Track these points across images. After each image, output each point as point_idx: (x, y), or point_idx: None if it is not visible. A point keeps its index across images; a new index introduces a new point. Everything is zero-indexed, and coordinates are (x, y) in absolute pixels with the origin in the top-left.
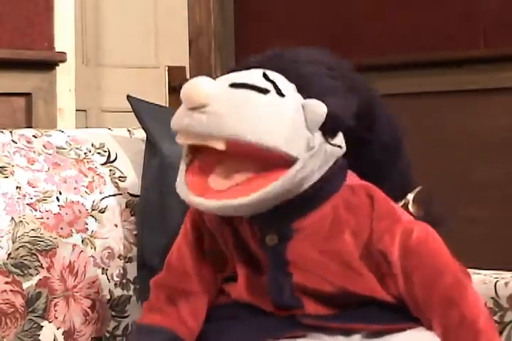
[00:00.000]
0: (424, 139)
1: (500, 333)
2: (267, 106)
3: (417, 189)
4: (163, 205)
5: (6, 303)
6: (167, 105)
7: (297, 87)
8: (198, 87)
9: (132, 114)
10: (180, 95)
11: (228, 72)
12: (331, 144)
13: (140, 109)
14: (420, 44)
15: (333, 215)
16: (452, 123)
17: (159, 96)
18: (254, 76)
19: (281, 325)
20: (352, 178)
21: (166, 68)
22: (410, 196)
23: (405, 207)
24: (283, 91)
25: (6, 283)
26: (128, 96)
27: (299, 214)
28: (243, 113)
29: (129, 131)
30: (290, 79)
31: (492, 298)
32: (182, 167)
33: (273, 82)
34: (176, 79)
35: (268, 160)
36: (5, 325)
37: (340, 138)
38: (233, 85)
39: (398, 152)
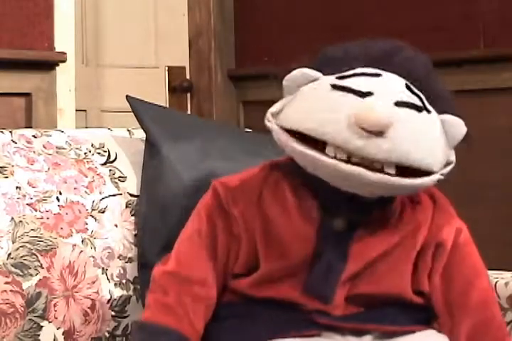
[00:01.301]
0: None
1: None
2: (428, 128)
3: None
4: (163, 205)
5: (6, 303)
6: (167, 105)
7: (431, 98)
8: (380, 112)
9: (132, 114)
10: (359, 114)
11: (344, 65)
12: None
13: (140, 109)
14: (420, 44)
15: (400, 211)
16: None
17: (159, 96)
18: (401, 88)
19: (295, 323)
20: None
21: (166, 68)
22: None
23: None
24: (427, 107)
25: (6, 283)
26: (128, 97)
27: (378, 206)
28: (417, 140)
29: (129, 131)
30: (421, 89)
31: None
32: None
33: (418, 96)
34: (175, 79)
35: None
36: (5, 325)
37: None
38: (398, 104)
39: None
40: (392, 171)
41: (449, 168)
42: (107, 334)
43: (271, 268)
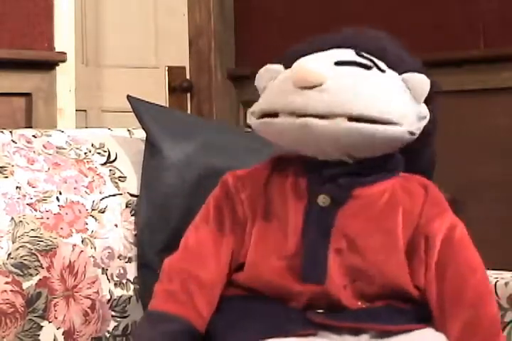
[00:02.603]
0: None
1: None
2: (377, 82)
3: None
4: (163, 205)
5: (6, 303)
6: (167, 105)
7: (387, 64)
8: (311, 67)
9: (132, 114)
10: (293, 74)
11: (302, 54)
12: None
13: (140, 109)
14: (420, 44)
15: (390, 193)
16: (452, 123)
17: (159, 96)
18: (349, 54)
19: (292, 322)
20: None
21: (166, 68)
22: None
23: None
24: (381, 67)
25: (6, 283)
26: (128, 96)
27: (363, 182)
28: (360, 90)
29: (129, 131)
30: (378, 57)
31: None
32: None
33: (370, 60)
34: (176, 79)
35: None
36: (5, 325)
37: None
38: (338, 63)
39: (428, 144)
40: (345, 123)
41: (423, 122)
42: (107, 334)
43: (266, 253)
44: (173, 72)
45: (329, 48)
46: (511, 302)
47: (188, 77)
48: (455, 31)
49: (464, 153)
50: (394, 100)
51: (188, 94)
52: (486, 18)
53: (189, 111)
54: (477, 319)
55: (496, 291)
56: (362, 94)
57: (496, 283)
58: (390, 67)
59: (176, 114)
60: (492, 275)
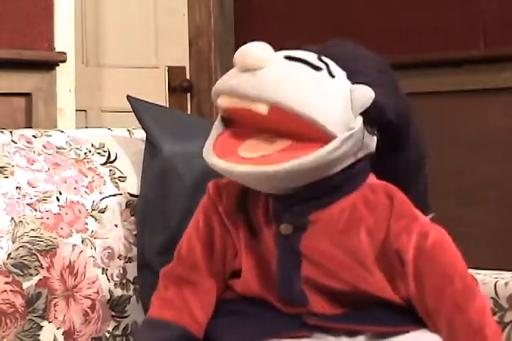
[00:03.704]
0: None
1: None
2: (317, 81)
3: (431, 215)
4: (163, 205)
5: (6, 303)
6: (167, 105)
7: (348, 74)
8: (254, 50)
9: (132, 114)
10: (234, 58)
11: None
12: (369, 132)
13: (140, 109)
14: (420, 44)
15: (351, 211)
16: (452, 123)
17: (159, 96)
18: (308, 55)
19: (287, 324)
20: (372, 178)
21: (166, 68)
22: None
23: None
24: (333, 73)
25: (6, 283)
26: (128, 96)
27: (318, 205)
28: (293, 81)
29: (129, 131)
30: (342, 67)
31: (492, 298)
32: (212, 135)
33: (326, 64)
34: (176, 79)
35: (303, 135)
36: (5, 325)
37: (374, 138)
38: (288, 58)
39: (420, 169)
40: (263, 109)
41: (347, 133)
42: (107, 334)
43: (253, 273)
44: (173, 72)
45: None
46: (511, 303)
47: (188, 77)
48: (455, 31)
49: (463, 153)
50: (324, 102)
51: (188, 94)
52: (486, 18)
53: (189, 111)
54: (458, 329)
55: (495, 291)
56: (291, 85)
57: (495, 283)
58: (348, 77)
59: (176, 114)
60: (492, 275)
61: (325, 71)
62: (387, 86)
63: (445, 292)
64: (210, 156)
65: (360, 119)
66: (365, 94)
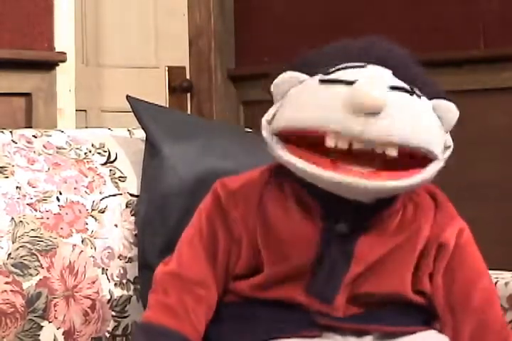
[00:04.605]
0: None
1: None
2: (422, 110)
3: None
4: (163, 205)
5: (6, 303)
6: (167, 105)
7: (411, 86)
8: (374, 94)
9: (132, 114)
10: (351, 98)
11: (337, 64)
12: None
13: (140, 109)
14: (420, 44)
15: (402, 213)
16: None
17: (159, 96)
18: (387, 74)
19: (295, 324)
20: None
21: (166, 68)
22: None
23: None
24: (416, 92)
25: (6, 283)
26: (128, 97)
27: (380, 210)
28: (414, 119)
29: (129, 131)
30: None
31: None
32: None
33: (410, 84)
34: (176, 79)
35: (402, 157)
36: (5, 325)
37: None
38: (392, 88)
39: None
40: (394, 153)
41: (448, 152)
42: (107, 334)
43: (275, 271)
44: (173, 72)
45: (365, 62)
46: (511, 303)
47: (188, 77)
48: (455, 31)
49: (463, 153)
50: (435, 131)
51: (188, 94)
52: (486, 18)
53: (189, 111)
54: (487, 323)
55: None
56: (418, 125)
57: (496, 283)
58: (419, 90)
59: (176, 114)
60: (492, 275)
61: (415, 94)
62: (439, 89)
63: (477, 285)
64: (330, 174)
65: (449, 136)
66: (452, 112)
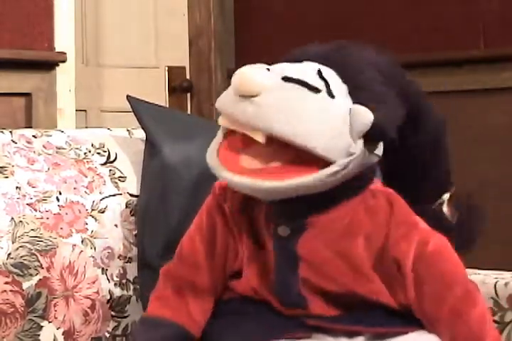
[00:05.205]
0: None
1: (500, 333)
2: (316, 107)
3: (453, 189)
4: (163, 205)
5: (6, 303)
6: (167, 105)
7: (350, 89)
8: (253, 76)
9: (132, 114)
10: (232, 80)
11: (283, 61)
12: (370, 152)
13: (140, 109)
14: (420, 44)
15: (350, 216)
16: (452, 123)
17: (159, 96)
18: (308, 71)
19: (287, 325)
20: (376, 183)
21: (166, 68)
22: (446, 196)
23: (440, 206)
24: (334, 92)
25: (6, 283)
26: (128, 96)
27: (317, 208)
28: (290, 111)
29: (128, 131)
30: (345, 80)
31: (492, 298)
32: (217, 139)
33: (326, 81)
34: (176, 79)
35: (304, 154)
36: (5, 325)
37: (380, 148)
38: (286, 79)
39: (439, 152)
40: (260, 139)
41: (347, 159)
42: (107, 334)
43: (250, 275)
44: (173, 72)
45: (304, 60)
46: (511, 303)
47: (188, 77)
48: (455, 31)
49: (463, 153)
50: (322, 130)
51: (188, 94)
52: (486, 18)
53: (189, 111)
54: (454, 337)
55: (495, 291)
56: (286, 115)
57: (495, 283)
58: (350, 92)
59: (176, 114)
60: (492, 275)
61: (324, 91)
62: (389, 99)
63: (445, 299)
64: (218, 169)
65: (360, 143)
66: (363, 120)
